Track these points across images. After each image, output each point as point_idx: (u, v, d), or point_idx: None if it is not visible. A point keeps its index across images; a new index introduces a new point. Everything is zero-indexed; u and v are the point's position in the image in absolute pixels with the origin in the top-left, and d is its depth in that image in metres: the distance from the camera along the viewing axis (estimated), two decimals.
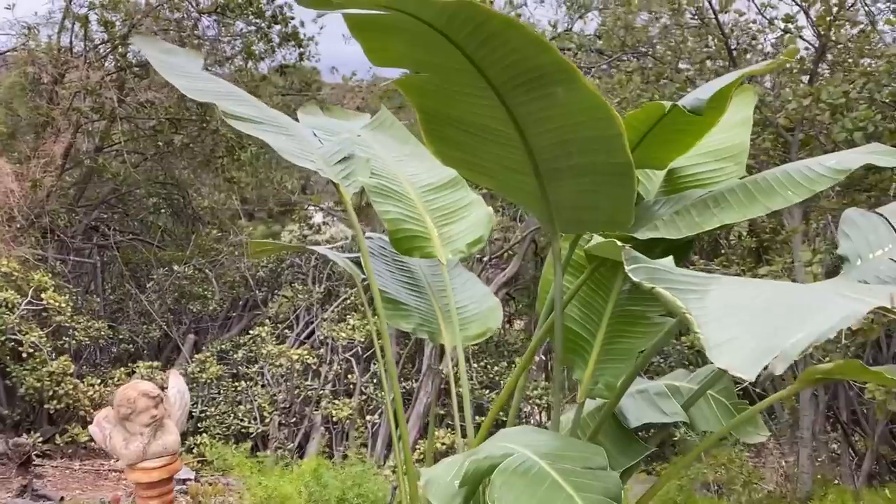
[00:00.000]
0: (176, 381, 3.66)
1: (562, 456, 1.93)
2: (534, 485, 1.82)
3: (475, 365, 9.28)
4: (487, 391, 8.97)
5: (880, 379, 1.76)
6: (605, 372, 2.32)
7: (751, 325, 1.16)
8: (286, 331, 10.48)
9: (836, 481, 5.42)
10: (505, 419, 3.60)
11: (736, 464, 5.15)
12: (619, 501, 1.79)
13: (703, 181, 2.32)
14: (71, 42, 9.49)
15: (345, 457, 8.50)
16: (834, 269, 5.43)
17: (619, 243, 1.45)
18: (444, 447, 7.99)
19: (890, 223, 2.29)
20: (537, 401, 9.15)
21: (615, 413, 2.46)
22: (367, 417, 8.65)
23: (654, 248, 2.29)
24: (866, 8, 4.59)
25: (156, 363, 9.06)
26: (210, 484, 6.27)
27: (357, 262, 3.28)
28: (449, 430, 8.67)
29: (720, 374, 2.39)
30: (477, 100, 1.82)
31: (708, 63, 5.05)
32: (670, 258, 1.59)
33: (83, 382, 8.04)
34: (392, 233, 2.89)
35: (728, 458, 5.07)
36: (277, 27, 9.90)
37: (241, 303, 11.62)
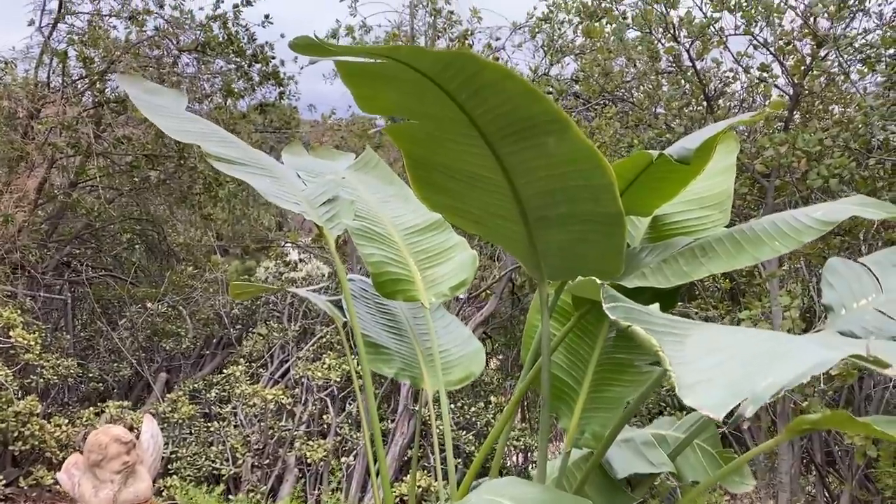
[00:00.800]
0: (149, 426, 3.56)
1: None
2: None
3: (451, 405, 9.18)
4: (464, 432, 8.87)
5: (868, 430, 1.75)
6: (591, 421, 2.29)
7: (724, 367, 1.15)
8: (260, 369, 10.32)
9: None
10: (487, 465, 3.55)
11: None
12: None
13: (688, 228, 2.34)
14: (48, 77, 9.43)
15: (318, 501, 8.32)
16: (809, 311, 5.49)
17: (598, 281, 1.44)
18: (419, 489, 7.86)
19: (873, 273, 2.31)
20: (514, 442, 9.06)
21: (601, 462, 2.43)
22: (343, 459, 8.49)
23: (641, 296, 2.29)
24: (840, 59, 4.71)
25: (126, 403, 8.85)
26: None
27: (338, 305, 3.24)
28: (425, 472, 8.54)
29: (707, 423, 2.38)
30: (466, 147, 1.81)
31: (685, 109, 5.15)
32: (656, 305, 1.58)
33: (50, 423, 7.82)
34: (375, 276, 2.87)
35: (707, 503, 5.02)
36: (258, 66, 9.94)
37: (214, 340, 11.44)
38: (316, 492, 8.54)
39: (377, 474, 2.75)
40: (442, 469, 8.87)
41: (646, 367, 2.27)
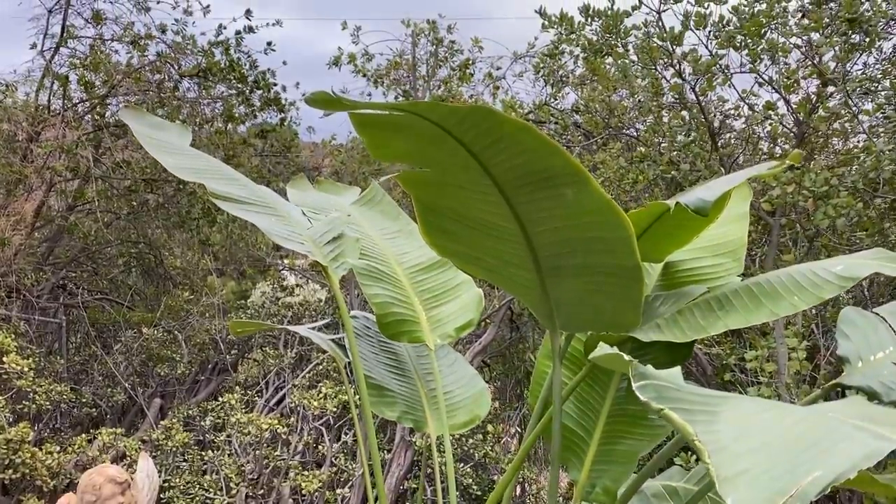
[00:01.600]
0: (144, 464, 3.49)
1: None
2: None
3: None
4: (461, 464, 8.76)
5: (891, 492, 1.69)
6: (603, 475, 2.23)
7: (764, 457, 1.10)
8: (255, 396, 10.21)
9: None
10: None
11: None
12: None
13: (701, 276, 2.30)
14: (49, 100, 9.42)
15: None
16: (814, 347, 5.42)
17: (626, 358, 1.39)
18: None
19: (889, 324, 2.26)
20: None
21: None
22: (338, 490, 8.36)
23: (653, 347, 2.24)
24: (847, 98, 4.70)
25: (119, 429, 8.71)
26: None
27: (340, 344, 3.18)
28: None
29: None
30: (480, 196, 1.77)
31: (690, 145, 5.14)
32: (677, 370, 1.53)
33: (41, 450, 7.69)
34: (380, 317, 2.82)
35: None
36: (259, 92, 9.95)
37: (209, 366, 11.33)
38: None
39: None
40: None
41: (659, 421, 2.21)
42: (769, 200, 4.46)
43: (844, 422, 1.18)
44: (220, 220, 9.90)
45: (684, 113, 5.56)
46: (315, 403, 8.82)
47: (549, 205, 1.66)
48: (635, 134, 6.50)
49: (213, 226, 10.60)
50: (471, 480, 8.65)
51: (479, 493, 8.78)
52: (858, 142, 5.39)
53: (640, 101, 6.28)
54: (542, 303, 1.94)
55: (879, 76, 4.97)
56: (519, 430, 10.66)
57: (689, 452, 6.34)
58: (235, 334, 3.13)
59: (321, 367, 10.38)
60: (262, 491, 8.57)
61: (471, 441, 8.83)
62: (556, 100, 8.22)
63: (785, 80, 4.98)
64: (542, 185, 1.62)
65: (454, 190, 1.81)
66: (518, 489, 9.63)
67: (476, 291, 3.14)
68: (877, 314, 2.31)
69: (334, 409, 8.89)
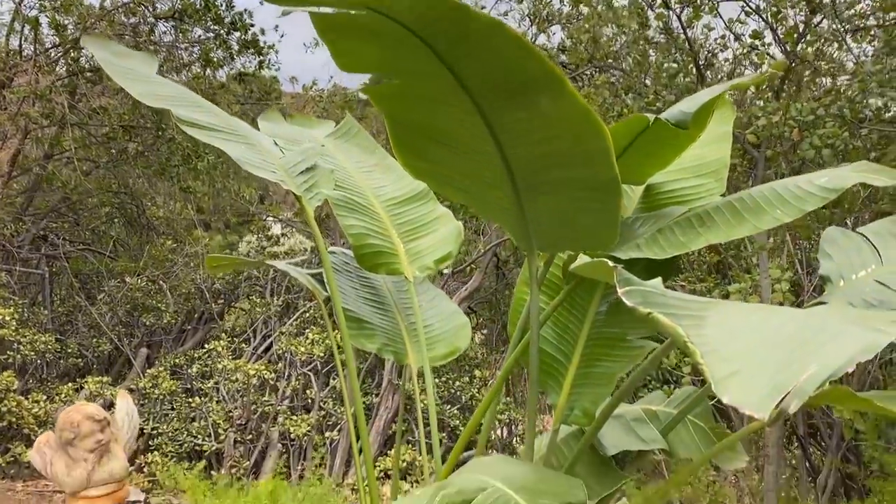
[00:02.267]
0: (124, 403, 3.45)
1: (539, 490, 1.81)
2: None
3: (436, 380, 9.13)
4: (448, 406, 8.84)
5: (870, 406, 1.67)
6: (581, 397, 2.21)
7: (758, 355, 1.06)
8: (243, 345, 10.21)
9: (797, 498, 5.40)
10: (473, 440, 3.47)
11: (702, 482, 5.09)
12: None
13: (682, 198, 2.24)
14: (20, 45, 9.15)
15: (301, 476, 8.27)
16: (796, 284, 5.43)
17: (610, 263, 1.34)
18: (404, 464, 7.82)
19: (872, 243, 2.23)
20: (499, 416, 9.04)
21: (597, 443, 2.35)
22: (326, 434, 8.43)
23: (633, 268, 2.20)
24: (835, 25, 4.60)
25: (106, 378, 8.72)
26: None
27: (319, 279, 3.13)
28: (410, 446, 8.50)
29: (698, 398, 2.31)
30: (452, 109, 1.70)
31: (676, 79, 5.03)
32: (658, 280, 1.48)
33: (28, 399, 7.69)
34: (356, 248, 2.75)
35: (693, 477, 5.00)
36: (237, 34, 9.69)
37: (196, 315, 11.29)
38: (300, 467, 8.48)
39: (360, 451, 2.66)
40: (427, 443, 8.85)
41: (637, 341, 2.18)
42: (755, 132, 4.39)
43: (836, 319, 1.14)
44: (200, 167, 9.72)
45: (671, 47, 5.44)
46: (302, 349, 8.83)
47: (524, 115, 1.59)
48: (620, 67, 6.38)
49: (194, 174, 10.42)
50: (458, 422, 8.74)
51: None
52: (846, 81, 5.30)
53: (627, 36, 6.15)
54: (519, 223, 1.88)
55: (875, 7, 4.85)
56: None
57: (672, 385, 6.40)
58: (211, 271, 3.06)
59: (308, 314, 10.38)
60: (250, 436, 8.63)
61: (457, 384, 8.90)
62: (540, 37, 8.05)
63: (772, 8, 4.86)
64: (516, 93, 1.55)
65: (426, 103, 1.73)
66: (505, 430, 9.74)
67: (455, 224, 3.07)
68: (861, 234, 2.27)
69: (321, 355, 8.92)
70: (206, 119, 2.48)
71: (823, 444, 6.42)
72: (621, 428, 2.32)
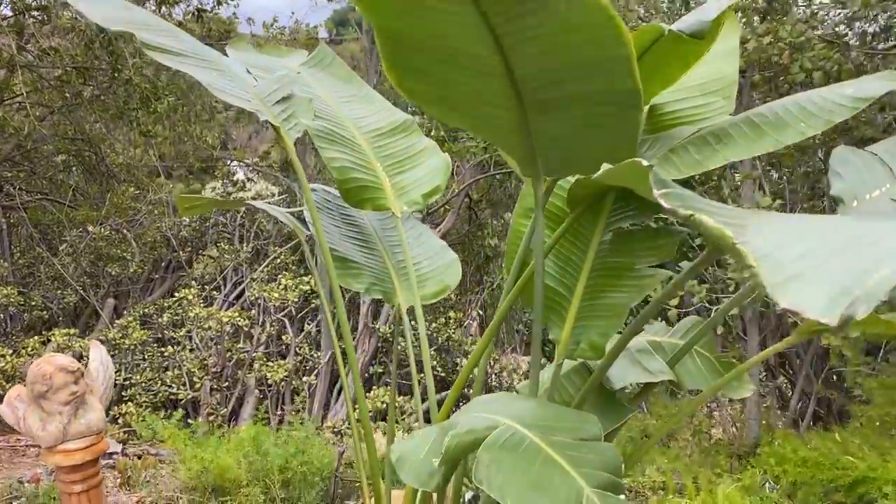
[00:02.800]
0: (98, 353, 3.30)
1: (552, 427, 1.72)
2: (525, 462, 1.61)
3: (412, 322, 9.06)
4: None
5: (893, 328, 1.60)
6: (587, 330, 2.11)
7: (818, 258, 0.94)
8: (214, 292, 10.02)
9: (780, 425, 5.49)
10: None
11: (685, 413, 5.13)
12: (620, 476, 1.60)
13: (689, 118, 2.11)
14: None
15: (280, 421, 8.22)
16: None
17: (644, 163, 1.20)
18: (383, 405, 7.79)
19: (885, 162, 2.13)
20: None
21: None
22: (304, 378, 8.35)
23: (631, 199, 2.08)
24: None
25: (73, 330, 8.50)
26: (138, 457, 5.91)
27: (300, 218, 2.98)
28: (386, 387, 8.47)
29: (705, 329, 2.23)
30: (451, 17, 1.53)
31: None
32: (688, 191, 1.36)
33: None
34: (341, 183, 2.60)
35: (676, 407, 5.04)
36: None
37: (163, 264, 11.03)
38: (279, 412, 8.43)
39: (353, 398, 2.56)
40: (405, 384, 8.84)
41: (647, 271, 2.08)
42: (744, 56, 4.27)
43: (883, 224, 1.03)
44: (161, 109, 9.33)
45: None
46: (276, 295, 8.68)
47: (534, 22, 1.43)
48: None
49: (154, 118, 10.01)
50: (435, 363, 8.72)
51: (442, 374, 8.88)
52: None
53: None
54: (524, 146, 1.75)
55: None
56: (480, 313, 10.73)
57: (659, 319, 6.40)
58: (183, 213, 2.88)
59: (279, 260, 10.19)
60: (226, 383, 8.52)
61: (434, 325, 8.85)
62: None
63: None
64: None
65: (423, 12, 1.56)
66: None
67: (442, 157, 2.93)
68: (872, 153, 2.17)
69: (296, 301, 8.78)
70: (174, 44, 2.28)
71: (792, 371, 6.51)
72: (627, 360, 2.24)
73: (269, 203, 3.26)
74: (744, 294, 2.18)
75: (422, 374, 2.64)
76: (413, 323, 2.68)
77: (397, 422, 7.65)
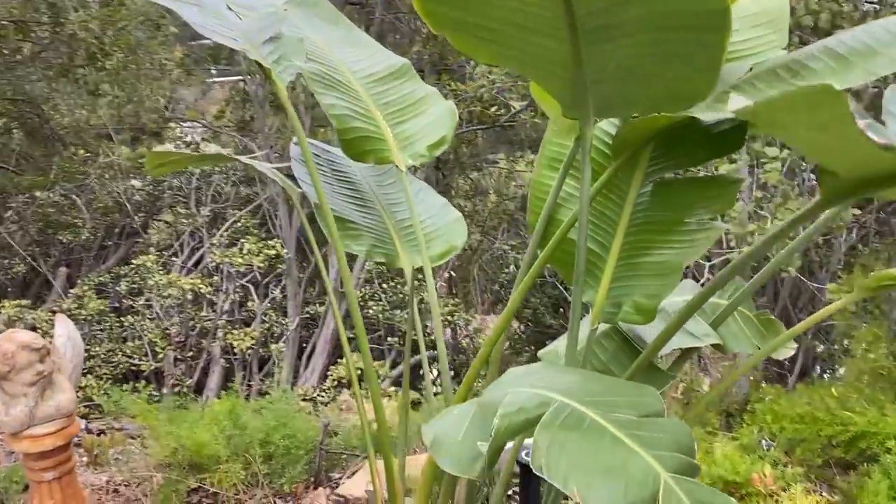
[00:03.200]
0: (64, 327, 2.99)
1: (610, 402, 1.52)
2: (591, 444, 1.41)
3: (383, 285, 8.84)
4: (398, 311, 8.59)
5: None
6: (630, 291, 1.91)
7: None
8: (172, 258, 9.61)
9: (766, 382, 5.47)
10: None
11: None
12: (694, 457, 1.41)
13: (739, 54, 1.89)
14: None
15: (249, 389, 7.96)
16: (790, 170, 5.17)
17: (837, 86, 0.96)
18: (359, 372, 7.57)
19: None
20: (448, 318, 8.87)
21: (630, 339, 2.08)
22: (272, 346, 8.08)
23: (685, 141, 1.87)
24: None
25: (24, 301, 8.06)
26: (101, 432, 5.62)
27: (288, 175, 2.71)
28: (356, 353, 8.26)
29: (752, 286, 2.04)
30: None
31: None
32: None
33: None
34: (341, 132, 2.33)
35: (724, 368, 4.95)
36: None
37: (116, 230, 10.54)
38: (246, 381, 8.16)
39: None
40: (376, 348, 8.63)
41: (697, 225, 1.88)
42: None
43: None
44: (109, 66, 8.78)
45: None
46: (239, 261, 8.34)
47: None
48: None
49: (101, 76, 9.43)
50: (405, 326, 8.50)
51: (414, 337, 8.67)
52: None
53: None
54: (573, 81, 1.51)
55: None
56: (452, 273, 10.56)
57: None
58: (153, 172, 2.59)
59: (239, 224, 9.82)
60: (191, 353, 8.21)
61: (406, 287, 8.63)
62: None
63: None
64: None
65: None
66: (448, 331, 9.56)
67: (447, 105, 2.66)
68: None
69: (260, 266, 8.44)
70: None
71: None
72: (666, 323, 2.04)
73: (258, 155, 2.97)
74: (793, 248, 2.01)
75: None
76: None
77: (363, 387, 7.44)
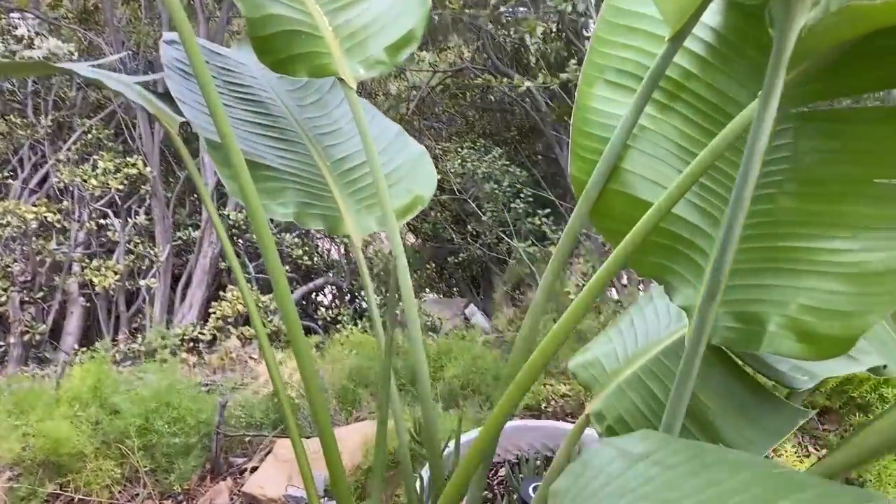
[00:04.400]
0: None
1: None
2: None
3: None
4: (286, 234, 7.61)
5: None
6: (785, 297, 1.15)
7: None
8: (9, 179, 8.08)
9: None
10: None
11: None
12: None
13: None
14: None
15: (115, 334, 6.87)
16: None
17: None
18: (243, 308, 6.62)
19: None
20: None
21: (756, 363, 1.36)
22: (142, 281, 6.96)
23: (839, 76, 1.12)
24: None
25: None
26: None
27: (158, 93, 1.74)
28: (249, 286, 7.28)
29: None
30: None
31: None
32: None
33: None
34: (253, 26, 1.39)
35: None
36: None
37: None
38: (113, 321, 7.03)
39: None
40: (263, 278, 7.65)
41: None
42: None
43: None
44: None
45: None
46: (94, 182, 7.02)
47: None
48: None
49: None
50: (301, 251, 7.56)
51: (308, 263, 7.79)
52: None
53: None
54: None
55: None
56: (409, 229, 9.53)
57: None
58: None
59: (90, 135, 8.36)
60: (41, 293, 6.94)
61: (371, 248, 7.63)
62: None
63: None
64: None
65: None
66: (341, 248, 8.70)
67: None
68: None
69: (120, 187, 7.15)
70: None
71: None
72: None
73: (102, 62, 1.96)
74: None
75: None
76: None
77: (265, 325, 6.55)
